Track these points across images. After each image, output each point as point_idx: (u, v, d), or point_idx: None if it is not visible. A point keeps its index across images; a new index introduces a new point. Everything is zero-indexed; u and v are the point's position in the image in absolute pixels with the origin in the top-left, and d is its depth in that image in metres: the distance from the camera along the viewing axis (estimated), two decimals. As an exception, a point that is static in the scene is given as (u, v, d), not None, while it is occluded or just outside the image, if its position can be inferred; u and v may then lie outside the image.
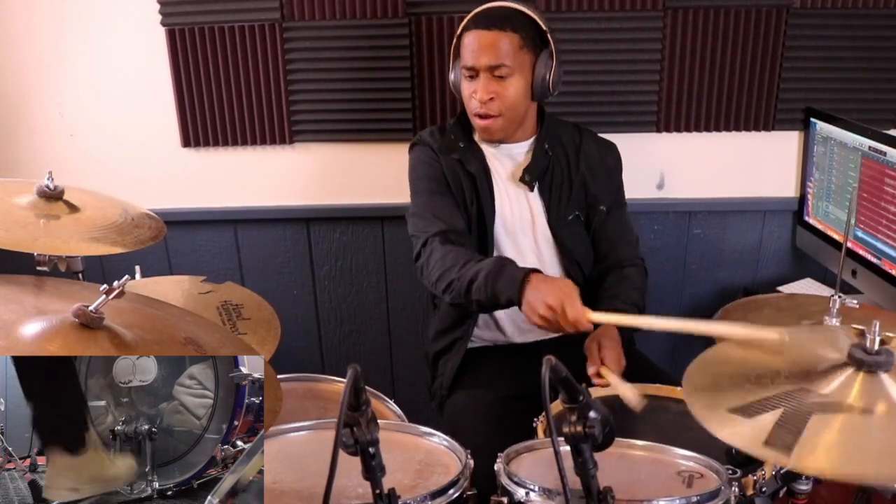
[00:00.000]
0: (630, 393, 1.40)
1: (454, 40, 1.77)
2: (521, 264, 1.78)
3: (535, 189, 1.81)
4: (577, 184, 1.82)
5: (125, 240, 1.42)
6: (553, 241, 1.83)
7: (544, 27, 1.71)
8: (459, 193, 1.80)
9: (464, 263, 1.60)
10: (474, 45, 1.69)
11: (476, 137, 1.85)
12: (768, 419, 0.92)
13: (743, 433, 0.92)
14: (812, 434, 0.89)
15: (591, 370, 1.59)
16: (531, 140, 1.83)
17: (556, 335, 1.86)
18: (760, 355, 1.10)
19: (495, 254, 1.81)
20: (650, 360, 1.86)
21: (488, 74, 1.69)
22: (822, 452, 0.88)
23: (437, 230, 1.70)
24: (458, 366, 1.82)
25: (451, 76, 1.80)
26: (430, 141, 1.85)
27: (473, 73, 1.71)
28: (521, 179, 1.79)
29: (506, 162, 1.84)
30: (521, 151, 1.84)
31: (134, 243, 1.42)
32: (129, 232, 1.45)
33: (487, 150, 1.84)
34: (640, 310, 1.77)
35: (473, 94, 1.72)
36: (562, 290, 1.45)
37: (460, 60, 1.74)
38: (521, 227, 1.83)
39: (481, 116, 1.74)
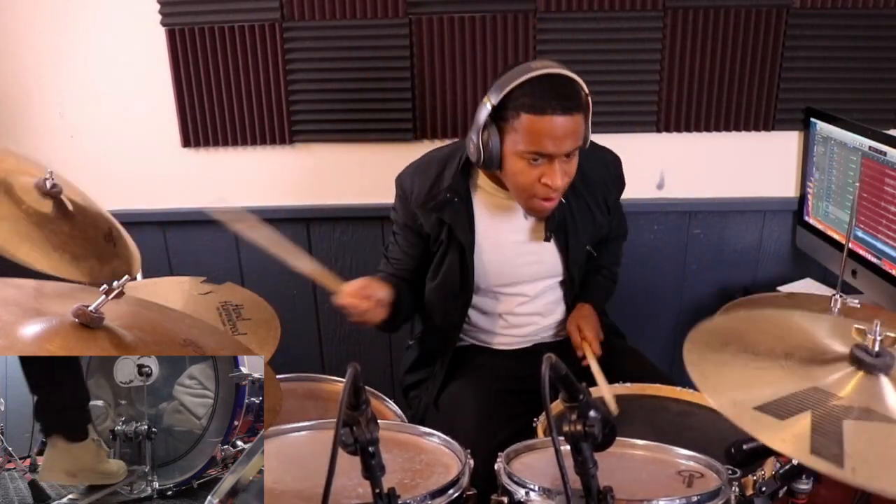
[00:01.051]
0: (608, 395, 1.51)
1: (494, 103, 1.52)
2: (518, 311, 1.82)
3: (549, 240, 1.74)
4: (588, 215, 1.77)
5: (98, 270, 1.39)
6: (567, 277, 1.79)
7: (586, 90, 1.56)
8: (436, 245, 1.72)
9: None
10: (554, 132, 1.49)
11: (475, 189, 1.71)
12: (802, 423, 0.92)
13: (784, 439, 0.90)
14: (854, 444, 0.89)
15: (579, 353, 1.71)
16: None
17: (535, 342, 1.87)
18: (761, 332, 1.10)
19: (477, 305, 1.80)
20: (649, 360, 1.85)
21: (562, 160, 1.54)
22: (879, 467, 0.88)
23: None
24: (433, 401, 1.79)
25: (482, 139, 1.55)
26: (410, 188, 1.72)
27: (543, 159, 1.53)
28: (546, 239, 1.72)
29: (514, 213, 1.72)
30: None
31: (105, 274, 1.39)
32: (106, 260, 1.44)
33: (491, 198, 1.71)
34: (614, 276, 1.95)
35: (545, 182, 1.54)
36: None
37: (511, 137, 1.53)
38: (525, 273, 1.77)
39: (550, 199, 1.59)
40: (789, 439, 0.90)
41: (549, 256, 1.77)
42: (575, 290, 1.83)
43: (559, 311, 1.86)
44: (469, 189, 1.71)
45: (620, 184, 1.85)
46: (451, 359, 1.81)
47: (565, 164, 1.55)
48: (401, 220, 1.78)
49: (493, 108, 1.53)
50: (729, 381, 1.00)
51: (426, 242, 1.75)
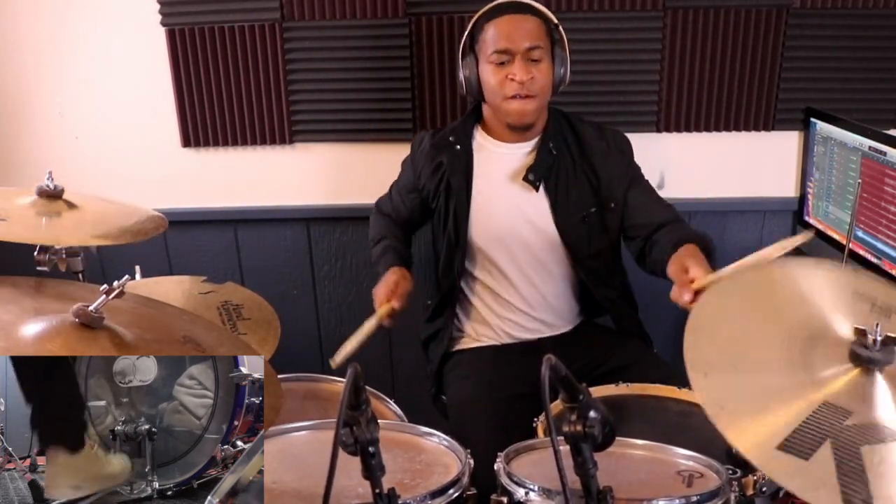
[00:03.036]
0: (764, 254, 1.36)
1: (466, 38, 1.76)
2: (510, 268, 1.84)
3: (541, 189, 1.79)
4: (584, 181, 1.80)
5: (126, 230, 1.42)
6: (560, 241, 1.80)
7: (555, 21, 1.76)
8: (435, 198, 1.85)
9: (376, 241, 1.94)
10: (509, 29, 1.70)
11: (477, 137, 1.84)
12: (825, 460, 0.90)
13: (815, 486, 0.88)
14: (877, 477, 0.89)
15: (685, 297, 1.42)
16: (536, 139, 1.82)
17: (553, 334, 1.90)
18: (753, 339, 1.09)
19: (470, 263, 1.85)
20: (654, 351, 1.87)
21: (524, 57, 1.70)
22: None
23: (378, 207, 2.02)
24: (447, 355, 1.87)
25: (463, 74, 1.77)
26: (419, 144, 1.89)
27: (507, 58, 1.70)
28: (525, 178, 1.77)
29: (508, 162, 1.82)
30: (525, 151, 1.82)
31: (135, 234, 1.42)
32: (130, 225, 1.45)
33: (487, 150, 1.83)
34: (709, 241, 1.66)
35: (511, 77, 1.70)
36: (385, 282, 1.77)
37: (482, 51, 1.73)
38: (518, 229, 1.80)
39: (520, 97, 1.71)
40: (820, 487, 0.88)
41: (539, 210, 1.80)
42: (589, 264, 1.82)
43: (568, 301, 1.90)
44: (470, 142, 1.84)
45: (627, 145, 1.86)
46: (456, 359, 1.87)
47: (531, 65, 1.71)
48: (401, 183, 1.97)
49: (467, 37, 1.76)
50: (743, 414, 0.96)
51: (422, 203, 1.91)
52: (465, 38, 1.77)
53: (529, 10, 1.73)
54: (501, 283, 1.85)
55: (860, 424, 0.94)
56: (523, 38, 1.70)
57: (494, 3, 1.74)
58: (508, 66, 1.71)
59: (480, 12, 1.75)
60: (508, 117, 1.77)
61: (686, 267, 1.48)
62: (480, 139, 1.85)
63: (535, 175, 1.78)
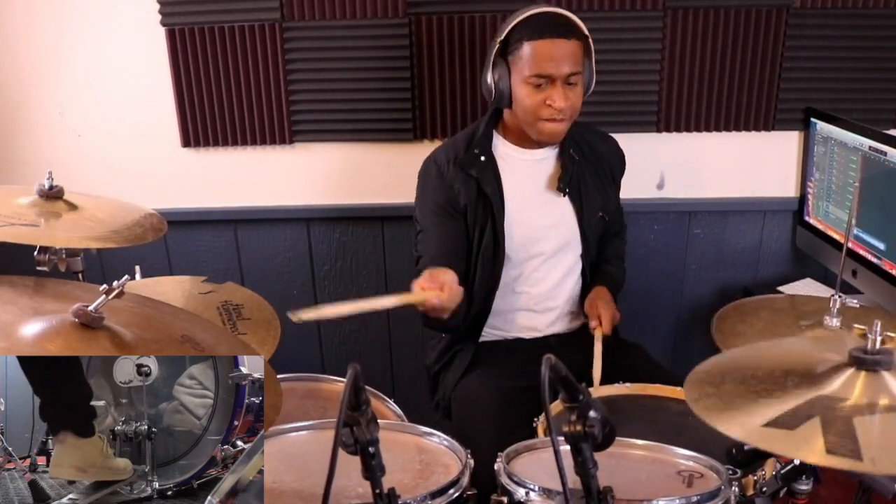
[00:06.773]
0: (596, 373, 1.65)
1: (499, 42, 1.71)
2: (538, 270, 1.86)
3: (566, 194, 1.82)
4: (599, 182, 1.87)
5: (124, 235, 1.42)
6: (581, 243, 1.86)
7: (586, 32, 1.73)
8: (472, 212, 1.78)
9: None
10: (552, 54, 1.66)
11: (498, 145, 1.82)
12: (813, 428, 0.92)
13: (798, 447, 0.91)
14: (868, 437, 0.90)
15: (592, 324, 1.79)
16: (556, 145, 1.83)
17: (562, 332, 1.91)
18: (757, 361, 1.10)
19: (507, 267, 1.82)
20: (651, 357, 1.86)
21: (564, 83, 1.68)
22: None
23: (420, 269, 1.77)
24: (460, 376, 1.82)
25: (493, 78, 1.73)
26: (445, 159, 1.80)
27: (546, 82, 1.68)
28: (558, 188, 1.81)
29: (535, 170, 1.83)
30: (547, 157, 1.83)
31: (133, 238, 1.42)
32: (129, 227, 1.45)
33: (511, 158, 1.82)
34: (622, 269, 2.01)
35: (549, 103, 1.68)
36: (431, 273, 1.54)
37: (517, 67, 1.69)
38: (545, 232, 1.83)
39: (555, 121, 1.71)
40: (804, 446, 0.90)
41: (566, 214, 1.84)
42: (591, 258, 1.88)
43: (576, 295, 1.91)
44: (492, 150, 1.82)
45: (623, 164, 1.96)
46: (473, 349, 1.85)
47: (568, 89, 1.70)
48: (433, 206, 1.80)
49: (500, 43, 1.71)
50: (734, 408, 0.99)
51: (462, 224, 1.79)
52: (497, 41, 1.71)
53: (573, 32, 1.68)
54: (522, 286, 1.86)
55: (857, 405, 0.96)
56: (567, 65, 1.67)
57: (534, 12, 1.69)
58: (546, 89, 1.68)
59: (519, 20, 1.69)
60: (540, 136, 1.76)
61: (597, 306, 1.81)
62: (502, 147, 1.83)
63: (564, 182, 1.81)
